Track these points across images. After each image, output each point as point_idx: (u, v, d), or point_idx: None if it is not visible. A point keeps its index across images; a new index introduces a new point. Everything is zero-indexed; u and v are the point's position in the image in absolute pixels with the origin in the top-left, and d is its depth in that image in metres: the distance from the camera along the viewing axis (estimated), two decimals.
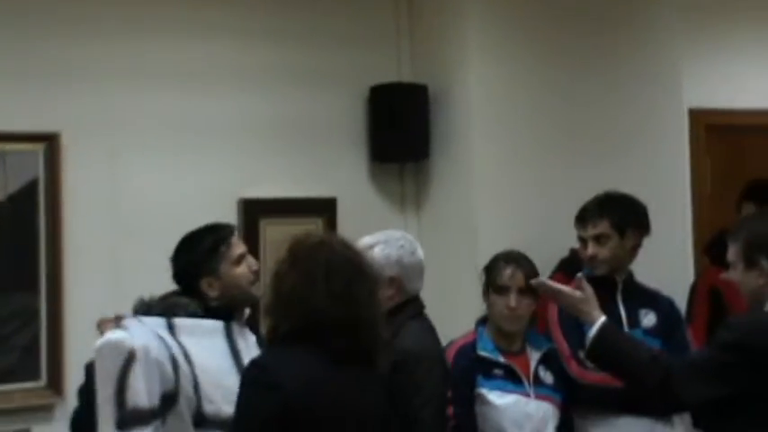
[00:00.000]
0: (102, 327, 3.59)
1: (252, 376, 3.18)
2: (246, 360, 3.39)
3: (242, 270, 3.68)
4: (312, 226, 5.39)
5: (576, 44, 5.52)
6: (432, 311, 3.96)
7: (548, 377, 4.31)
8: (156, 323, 3.50)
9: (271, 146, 5.44)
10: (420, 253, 3.97)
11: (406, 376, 3.61)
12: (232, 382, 3.31)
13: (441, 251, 5.16)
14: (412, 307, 3.90)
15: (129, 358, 3.35)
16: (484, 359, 4.25)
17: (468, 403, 4.19)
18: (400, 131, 5.47)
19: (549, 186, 5.37)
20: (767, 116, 6.50)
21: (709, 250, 5.25)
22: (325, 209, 5.46)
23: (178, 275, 3.67)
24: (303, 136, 5.50)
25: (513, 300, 4.25)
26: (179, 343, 3.47)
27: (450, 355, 4.16)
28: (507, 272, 4.28)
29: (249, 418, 3.13)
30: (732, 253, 3.67)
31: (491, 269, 4.35)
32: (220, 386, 3.45)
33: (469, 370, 4.20)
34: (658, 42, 5.71)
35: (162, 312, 3.54)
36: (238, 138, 5.39)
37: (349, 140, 5.57)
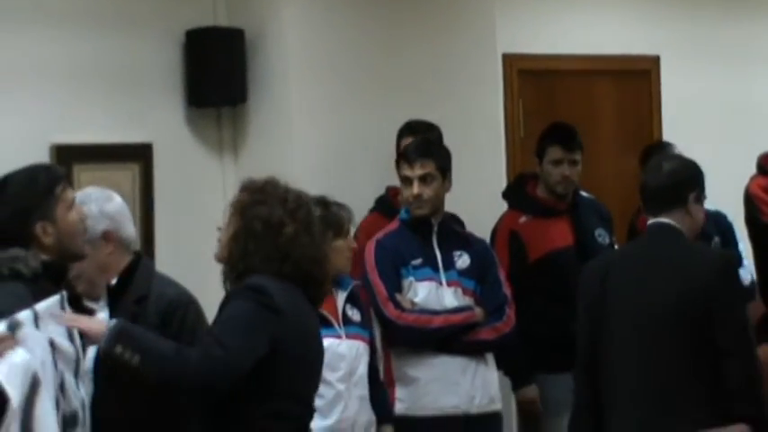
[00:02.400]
0: None
1: (251, 296, 3.17)
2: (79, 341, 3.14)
3: (74, 217, 3.32)
4: (128, 172, 5.32)
5: None
6: None
7: (355, 315, 4.34)
8: (27, 316, 2.95)
9: (84, 91, 5.32)
10: (118, 198, 3.67)
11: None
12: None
13: None
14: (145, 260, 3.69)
15: (34, 384, 2.83)
16: None
17: None
18: (217, 76, 5.41)
19: (367, 130, 5.41)
20: (576, 61, 6.67)
21: (508, 195, 5.37)
22: (140, 154, 5.38)
23: (3, 223, 3.21)
24: (118, 81, 5.39)
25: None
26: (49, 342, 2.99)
27: None
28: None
29: (257, 331, 3.13)
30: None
31: None
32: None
33: None
34: None
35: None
36: (49, 82, 5.24)
37: (165, 85, 5.48)
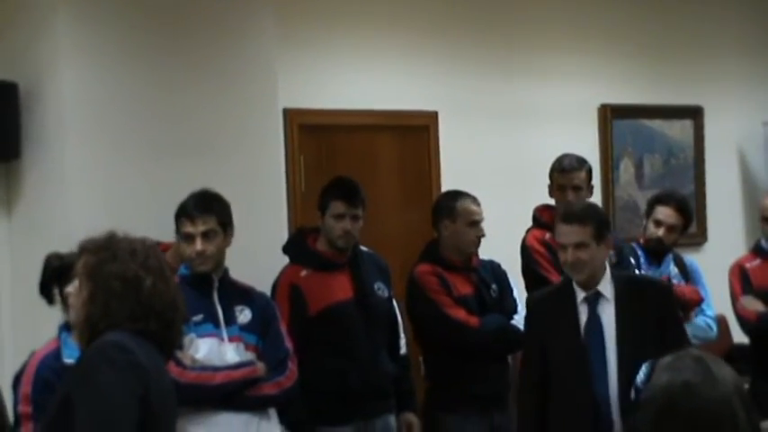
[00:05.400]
0: None
1: (111, 356, 3.14)
2: None
3: None
4: None
5: (173, 46, 5.50)
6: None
7: None
8: None
9: None
10: None
11: None
12: None
13: (34, 256, 5.00)
14: None
15: None
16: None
17: None
18: None
19: (147, 187, 5.33)
20: (357, 116, 6.78)
21: (288, 249, 5.39)
22: None
23: None
24: None
25: None
26: None
27: (30, 368, 4.00)
28: None
29: (124, 399, 3.11)
30: (584, 235, 4.59)
31: None
32: None
33: (54, 382, 3.89)
34: (255, 46, 5.78)
35: None
36: None
37: None
